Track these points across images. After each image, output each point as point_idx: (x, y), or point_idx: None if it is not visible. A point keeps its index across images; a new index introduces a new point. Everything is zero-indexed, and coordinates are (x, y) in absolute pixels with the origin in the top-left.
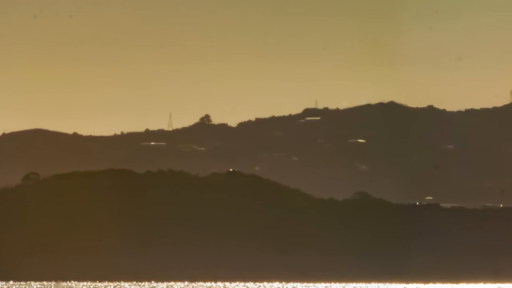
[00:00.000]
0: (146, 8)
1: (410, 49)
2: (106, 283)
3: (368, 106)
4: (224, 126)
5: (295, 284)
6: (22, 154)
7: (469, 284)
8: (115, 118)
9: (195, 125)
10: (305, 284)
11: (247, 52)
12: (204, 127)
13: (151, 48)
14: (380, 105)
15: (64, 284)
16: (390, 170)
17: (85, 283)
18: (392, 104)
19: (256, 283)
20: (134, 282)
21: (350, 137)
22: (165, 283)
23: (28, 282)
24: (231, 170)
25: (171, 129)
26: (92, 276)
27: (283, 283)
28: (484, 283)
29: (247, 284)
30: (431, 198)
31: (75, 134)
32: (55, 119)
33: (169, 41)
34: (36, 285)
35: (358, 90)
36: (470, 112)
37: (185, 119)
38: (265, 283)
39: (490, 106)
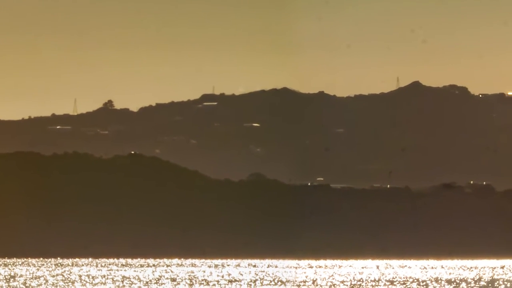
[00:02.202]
0: None
1: (302, 37)
2: (14, 259)
3: (262, 91)
4: (126, 111)
5: (193, 261)
6: None
7: (358, 260)
8: (22, 103)
9: (99, 109)
10: (202, 260)
11: (148, 40)
12: (107, 112)
13: (57, 36)
14: (274, 90)
15: None
16: (283, 152)
17: None
18: (285, 90)
19: (157, 259)
20: (41, 259)
21: (245, 121)
22: (70, 259)
23: None
24: (132, 152)
25: (76, 114)
26: (1, 253)
27: (182, 259)
28: (372, 259)
29: (148, 260)
30: (322, 178)
31: None
32: None
33: (74, 29)
34: None
35: (252, 77)
36: (359, 98)
37: (89, 104)
38: (165, 260)
39: (377, 92)
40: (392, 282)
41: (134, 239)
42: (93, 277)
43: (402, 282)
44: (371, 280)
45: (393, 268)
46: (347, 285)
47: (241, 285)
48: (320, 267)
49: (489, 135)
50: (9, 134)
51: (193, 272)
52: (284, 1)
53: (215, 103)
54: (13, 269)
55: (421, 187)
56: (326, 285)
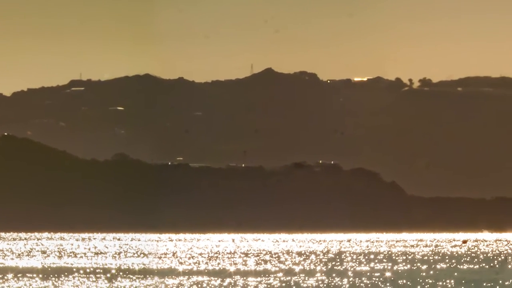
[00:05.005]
0: None
1: (163, 27)
2: None
3: (126, 77)
4: None
5: (62, 234)
6: None
7: (215, 234)
8: None
9: None
10: (71, 234)
11: (19, 29)
12: None
13: None
14: (137, 77)
15: None
16: (145, 134)
17: None
18: (147, 76)
19: (28, 233)
20: None
21: (110, 105)
22: None
23: None
24: (6, 134)
25: None
26: None
27: (52, 233)
28: (229, 233)
29: (20, 234)
30: (182, 158)
31: None
32: None
33: None
34: None
35: (117, 64)
36: (216, 83)
37: None
38: (36, 233)
39: (233, 78)
40: (246, 254)
41: (7, 214)
42: None
43: (256, 254)
44: (227, 253)
45: (247, 241)
46: (205, 257)
47: (106, 257)
48: (180, 240)
49: (336, 118)
50: None
51: (62, 245)
52: None
53: (83, 88)
54: None
55: (273, 166)
56: (186, 257)
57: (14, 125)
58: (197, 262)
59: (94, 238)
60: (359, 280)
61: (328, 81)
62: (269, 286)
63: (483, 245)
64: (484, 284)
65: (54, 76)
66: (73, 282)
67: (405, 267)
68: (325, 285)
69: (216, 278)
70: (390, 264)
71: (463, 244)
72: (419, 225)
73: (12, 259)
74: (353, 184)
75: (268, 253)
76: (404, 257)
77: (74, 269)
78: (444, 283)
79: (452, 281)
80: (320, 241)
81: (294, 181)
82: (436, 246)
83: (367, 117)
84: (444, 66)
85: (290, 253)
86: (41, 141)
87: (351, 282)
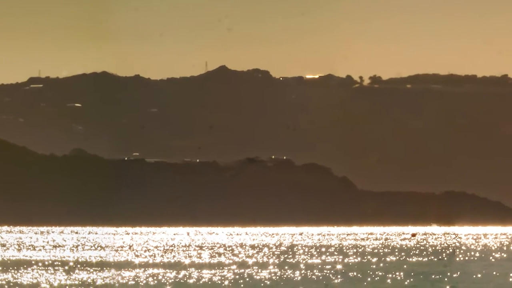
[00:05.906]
0: None
1: (119, 26)
2: None
3: (84, 75)
4: None
5: (21, 228)
6: None
7: (170, 227)
8: None
9: None
10: (30, 227)
11: None
12: None
13: None
14: (94, 74)
15: None
16: (102, 130)
17: None
18: (104, 74)
19: None
20: None
21: (68, 102)
22: None
23: None
24: None
25: None
26: None
27: (11, 227)
28: (183, 226)
29: None
30: (138, 154)
31: None
32: None
33: None
34: None
35: (75, 61)
36: (171, 80)
37: None
38: None
39: (188, 75)
40: (201, 247)
41: None
42: None
43: (210, 247)
44: (182, 246)
45: (202, 234)
46: (160, 250)
47: (64, 250)
48: (136, 233)
49: (289, 114)
50: None
51: (21, 238)
52: None
53: (41, 86)
54: None
55: (227, 161)
56: (142, 250)
57: None
58: (153, 255)
59: (53, 232)
60: (311, 273)
61: (281, 79)
62: (223, 278)
63: (432, 238)
64: (433, 276)
65: (13, 74)
66: (32, 274)
67: (356, 260)
68: (277, 278)
69: (171, 271)
70: (341, 256)
71: (412, 237)
72: (369, 218)
73: None
74: (305, 179)
75: (222, 246)
76: (355, 250)
77: (33, 262)
78: (394, 275)
79: (402, 273)
80: (272, 234)
81: (248, 176)
82: (386, 239)
83: (319, 113)
84: (394, 63)
85: (244, 246)
86: (1, 137)
87: (303, 275)
